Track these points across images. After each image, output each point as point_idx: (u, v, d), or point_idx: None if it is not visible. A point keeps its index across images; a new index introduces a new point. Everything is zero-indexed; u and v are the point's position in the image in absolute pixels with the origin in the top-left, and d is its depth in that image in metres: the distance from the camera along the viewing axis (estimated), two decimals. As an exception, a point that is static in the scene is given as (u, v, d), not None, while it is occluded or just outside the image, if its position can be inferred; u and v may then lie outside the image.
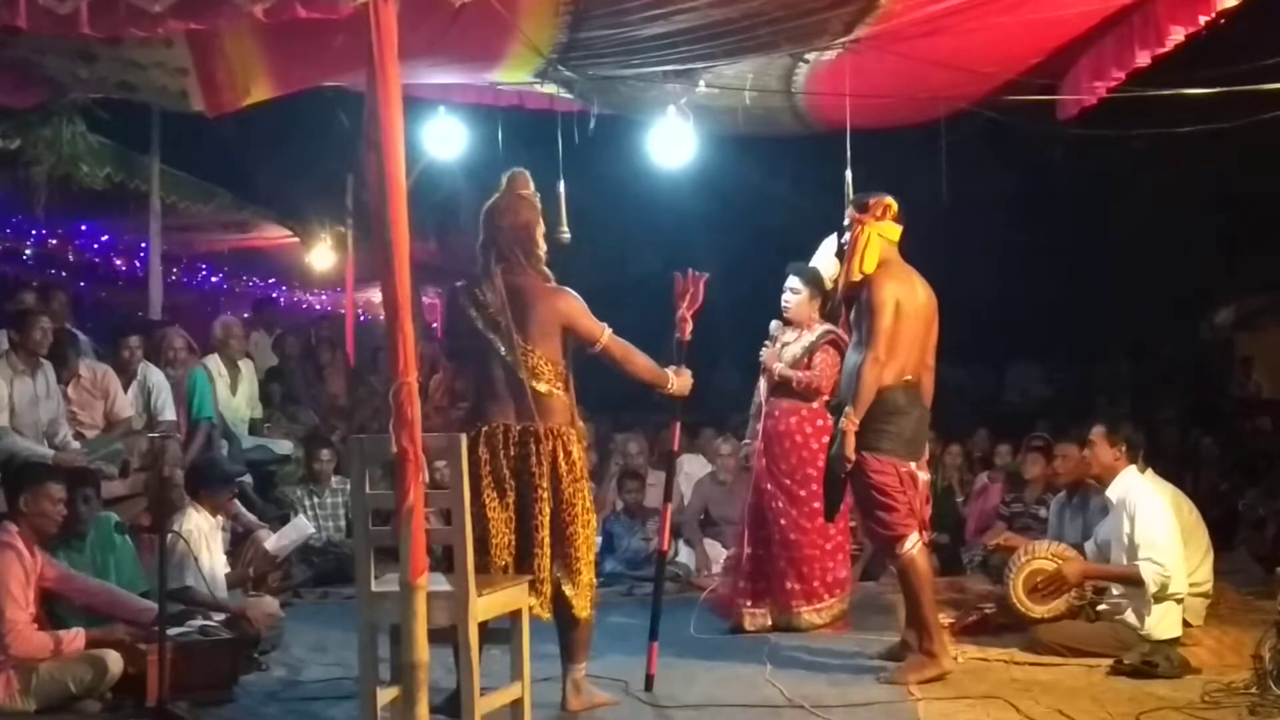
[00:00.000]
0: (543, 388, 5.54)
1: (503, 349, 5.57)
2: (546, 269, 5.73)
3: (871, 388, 6.21)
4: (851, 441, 6.23)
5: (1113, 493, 6.76)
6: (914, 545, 6.37)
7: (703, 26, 6.52)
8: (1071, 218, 16.50)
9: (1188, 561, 6.65)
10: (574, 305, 5.69)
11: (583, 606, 5.61)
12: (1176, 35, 6.87)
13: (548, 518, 5.50)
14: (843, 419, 6.26)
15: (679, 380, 6.05)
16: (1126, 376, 17.19)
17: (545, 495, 5.50)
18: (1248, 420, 13.24)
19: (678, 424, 6.50)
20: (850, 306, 6.64)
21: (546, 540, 5.50)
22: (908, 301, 6.32)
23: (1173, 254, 16.22)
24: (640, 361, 5.86)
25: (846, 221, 6.54)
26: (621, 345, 5.78)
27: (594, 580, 5.71)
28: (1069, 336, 17.79)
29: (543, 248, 5.74)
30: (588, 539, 5.64)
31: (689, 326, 6.25)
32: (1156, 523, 6.54)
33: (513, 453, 5.54)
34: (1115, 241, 16.75)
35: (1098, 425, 6.88)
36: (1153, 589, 6.41)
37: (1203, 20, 6.68)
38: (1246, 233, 15.20)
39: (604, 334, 5.71)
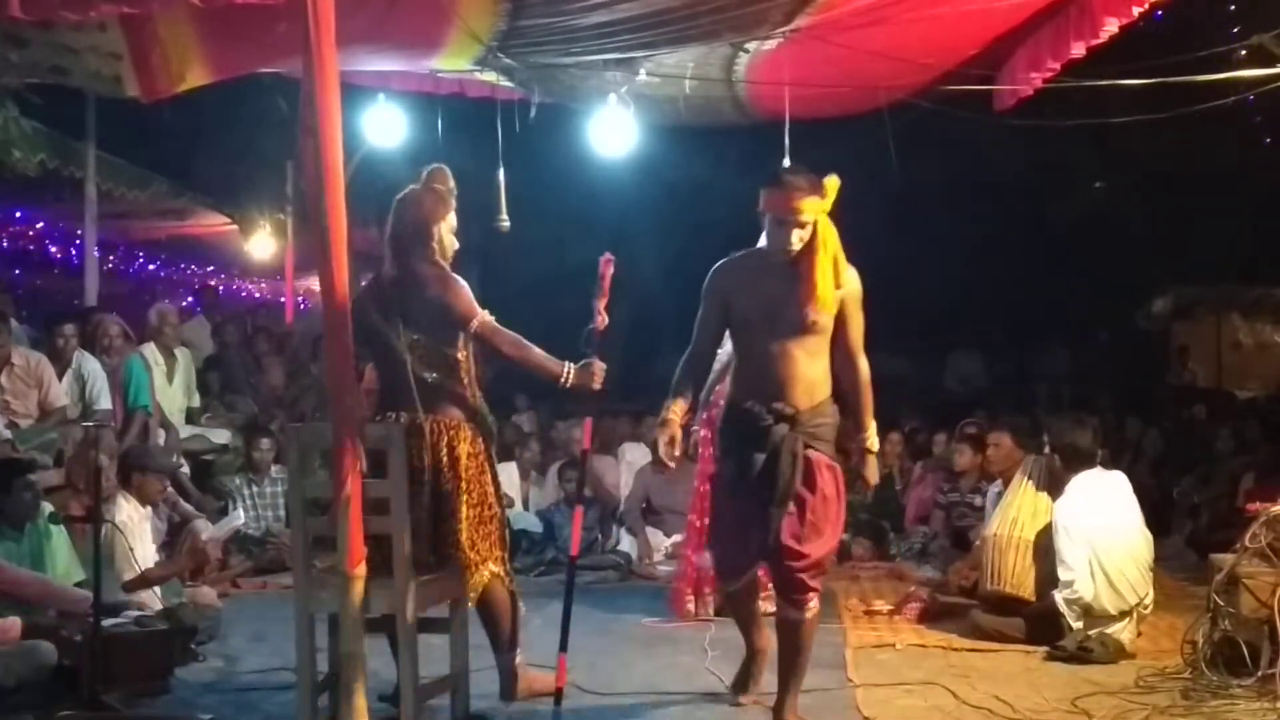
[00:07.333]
0: (430, 377, 5.41)
1: (395, 339, 5.47)
2: (441, 260, 5.52)
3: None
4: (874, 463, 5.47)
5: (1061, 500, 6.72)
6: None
7: (643, 15, 6.51)
8: (1011, 208, 16.65)
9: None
10: (452, 287, 5.46)
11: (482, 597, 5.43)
12: (1111, 26, 6.92)
13: (424, 509, 5.30)
14: (868, 438, 5.38)
15: (581, 373, 5.63)
16: (1065, 365, 17.39)
17: (427, 486, 5.32)
18: (1183, 408, 13.40)
19: (589, 421, 6.23)
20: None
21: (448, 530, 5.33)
22: None
23: (1110, 244, 16.39)
24: (531, 353, 5.56)
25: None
26: (503, 332, 5.50)
27: (502, 572, 5.49)
28: (1008, 325, 17.96)
29: (442, 239, 5.50)
30: (487, 533, 5.42)
31: (602, 316, 5.86)
32: (1077, 550, 6.50)
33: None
34: (1054, 231, 16.92)
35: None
36: (1071, 618, 6.47)
37: (1136, 12, 6.74)
38: (1182, 223, 15.39)
39: (479, 316, 5.46)
